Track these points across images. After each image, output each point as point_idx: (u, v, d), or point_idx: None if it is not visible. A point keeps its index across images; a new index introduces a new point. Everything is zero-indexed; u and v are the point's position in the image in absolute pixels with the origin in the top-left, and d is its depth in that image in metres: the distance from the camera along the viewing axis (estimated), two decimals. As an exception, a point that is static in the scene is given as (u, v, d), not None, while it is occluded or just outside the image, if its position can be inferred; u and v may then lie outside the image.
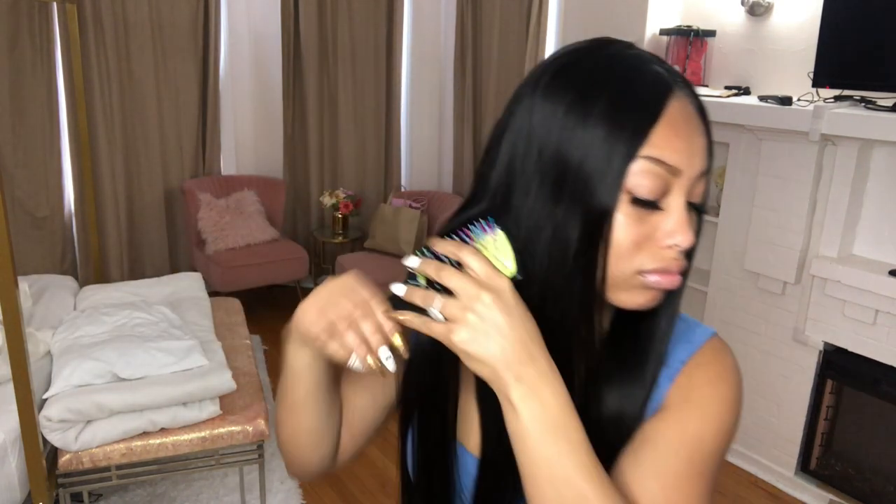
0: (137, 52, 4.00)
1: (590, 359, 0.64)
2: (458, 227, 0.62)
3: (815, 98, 2.56)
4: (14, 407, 1.97)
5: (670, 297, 0.65)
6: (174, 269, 4.34)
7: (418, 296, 0.60)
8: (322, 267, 4.66)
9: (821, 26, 2.48)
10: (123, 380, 2.19)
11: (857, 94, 2.48)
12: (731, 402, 0.65)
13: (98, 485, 2.21)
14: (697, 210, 0.62)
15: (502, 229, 0.61)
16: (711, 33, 3.05)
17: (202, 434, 2.22)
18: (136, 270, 4.23)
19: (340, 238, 4.46)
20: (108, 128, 3.97)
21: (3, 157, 3.73)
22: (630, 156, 0.57)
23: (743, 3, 2.90)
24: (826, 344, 2.65)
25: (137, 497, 2.58)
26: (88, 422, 2.11)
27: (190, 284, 3.14)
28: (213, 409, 2.25)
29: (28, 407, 1.93)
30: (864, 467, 2.63)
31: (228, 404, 2.33)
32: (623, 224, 0.58)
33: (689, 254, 0.62)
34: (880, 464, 2.60)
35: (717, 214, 2.97)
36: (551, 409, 0.57)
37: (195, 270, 3.96)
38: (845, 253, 2.58)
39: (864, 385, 2.57)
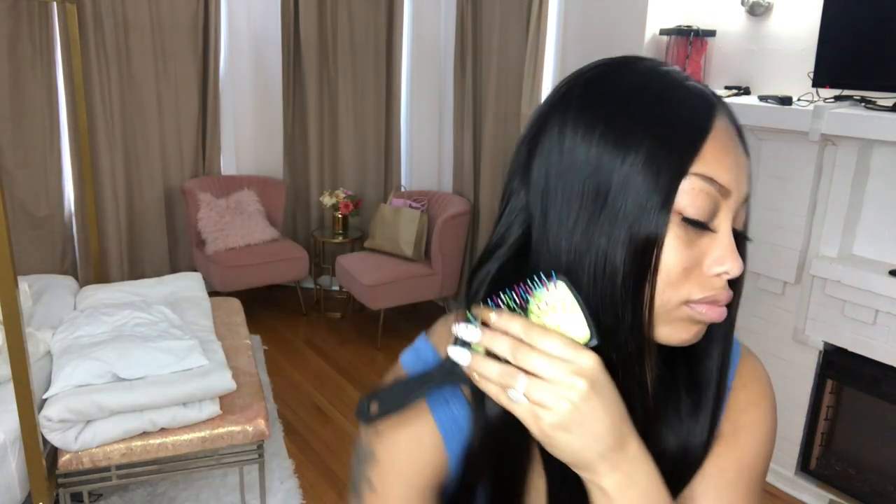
0: (137, 52, 4.00)
1: (645, 401, 0.59)
2: (504, 280, 0.55)
3: (815, 98, 2.56)
4: (14, 407, 1.97)
5: (726, 331, 0.62)
6: (174, 269, 4.34)
7: (491, 371, 0.51)
8: (322, 267, 4.67)
9: (821, 26, 2.48)
10: (123, 380, 2.19)
11: (857, 94, 2.48)
12: (773, 418, 0.66)
13: (98, 485, 2.21)
14: (742, 237, 0.58)
15: (561, 279, 0.52)
16: (711, 33, 3.05)
17: (202, 434, 2.22)
18: (136, 270, 4.23)
19: (340, 238, 4.46)
20: (108, 128, 3.97)
21: (3, 157, 3.73)
22: (681, 172, 0.53)
23: (743, 3, 2.90)
24: (826, 344, 2.65)
25: (137, 497, 2.58)
26: (88, 422, 2.11)
27: (190, 284, 3.14)
28: (213, 409, 2.25)
29: (28, 407, 1.93)
30: (864, 467, 2.63)
31: (228, 404, 2.33)
32: (673, 248, 0.54)
33: (735, 284, 0.59)
34: (880, 464, 2.60)
35: (717, 214, 2.97)
36: (648, 494, 0.53)
37: (195, 270, 3.96)
38: (845, 253, 2.58)
39: (864, 385, 2.57)
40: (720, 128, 0.55)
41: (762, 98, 2.65)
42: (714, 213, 0.55)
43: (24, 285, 2.73)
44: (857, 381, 2.60)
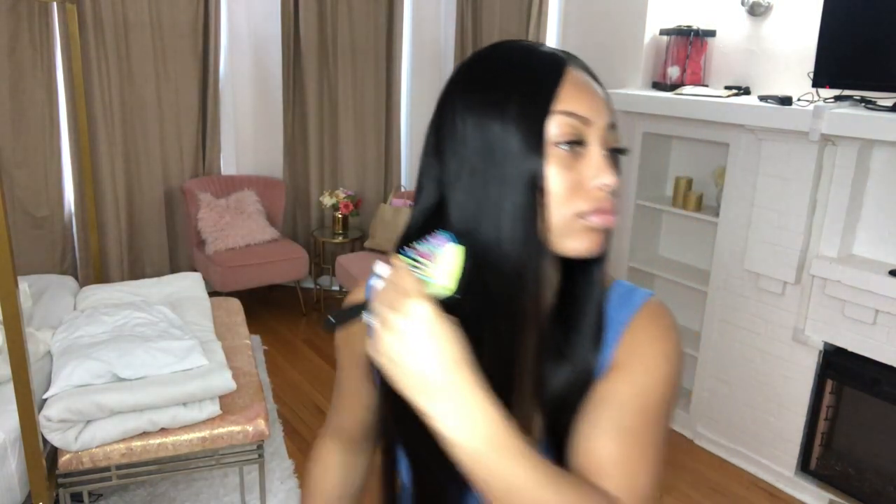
0: (137, 52, 4.00)
1: (539, 328, 0.68)
2: (415, 236, 0.67)
3: (815, 98, 2.56)
4: (14, 407, 1.97)
5: (598, 264, 0.72)
6: (174, 269, 4.34)
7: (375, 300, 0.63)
8: (322, 267, 4.67)
9: (821, 26, 2.48)
10: (123, 380, 2.19)
11: (857, 94, 2.48)
12: (672, 357, 0.71)
13: (98, 485, 2.21)
14: (617, 153, 0.70)
15: (455, 225, 0.66)
16: (711, 33, 3.05)
17: (202, 434, 2.22)
18: (136, 270, 4.23)
19: (340, 238, 4.46)
20: (108, 128, 3.97)
21: (3, 157, 3.73)
22: (545, 113, 0.65)
23: (743, 3, 2.90)
24: (826, 344, 2.65)
25: (137, 497, 2.58)
26: (88, 422, 2.11)
27: (190, 284, 3.14)
28: (213, 409, 2.25)
29: (28, 407, 1.93)
30: (864, 467, 2.63)
31: (228, 404, 2.33)
32: (556, 173, 0.65)
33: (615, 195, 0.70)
34: (880, 464, 2.60)
35: (716, 214, 2.97)
36: (481, 431, 0.59)
37: (195, 270, 3.96)
38: (845, 253, 2.58)
39: (864, 385, 2.57)
40: (572, 74, 0.67)
41: (762, 98, 2.65)
42: (581, 139, 0.66)
43: (24, 285, 2.73)
44: (857, 381, 2.60)
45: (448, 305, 0.63)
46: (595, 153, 0.67)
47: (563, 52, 0.70)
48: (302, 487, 0.86)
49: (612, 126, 0.68)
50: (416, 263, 0.62)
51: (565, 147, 0.65)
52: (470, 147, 0.67)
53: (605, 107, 0.68)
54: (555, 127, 0.65)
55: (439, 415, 0.59)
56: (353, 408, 0.88)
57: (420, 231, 0.68)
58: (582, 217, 0.66)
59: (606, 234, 0.69)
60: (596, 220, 0.67)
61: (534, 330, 0.68)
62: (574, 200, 0.66)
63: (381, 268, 0.63)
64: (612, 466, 0.67)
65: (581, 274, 0.72)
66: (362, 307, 0.64)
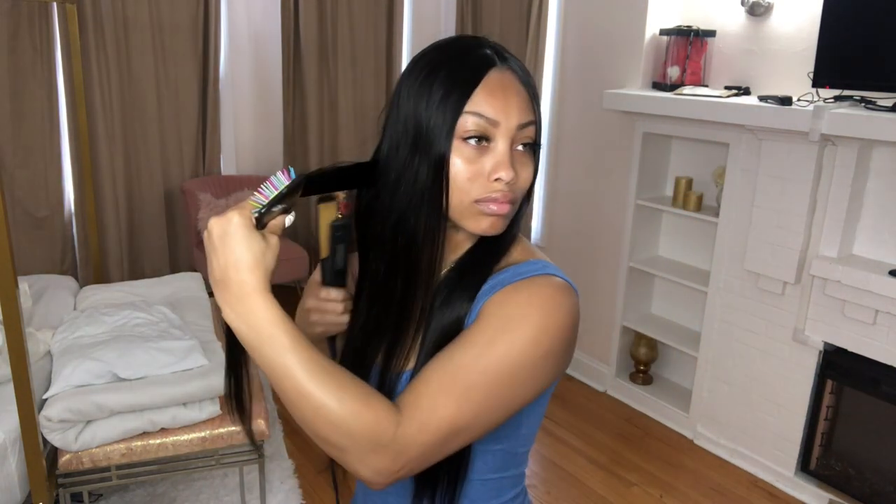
0: (137, 52, 4.00)
1: (429, 283, 0.81)
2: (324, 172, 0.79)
3: (815, 98, 2.56)
4: (14, 407, 1.97)
5: (499, 239, 0.83)
6: (174, 269, 4.33)
7: None
8: (322, 267, 4.66)
9: (821, 26, 2.48)
10: (123, 380, 2.19)
11: (857, 94, 2.48)
12: (542, 328, 0.76)
13: (98, 485, 2.21)
14: (533, 148, 0.80)
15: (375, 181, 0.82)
16: (711, 33, 3.05)
17: (202, 434, 2.23)
18: (136, 270, 4.23)
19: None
20: (108, 128, 3.97)
21: (3, 157, 3.73)
22: (458, 111, 0.76)
23: (743, 3, 2.90)
24: (826, 344, 2.65)
25: (137, 497, 2.58)
26: (88, 422, 2.11)
27: (190, 284, 3.14)
28: (213, 409, 2.25)
29: (28, 407, 1.93)
30: (864, 467, 2.63)
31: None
32: (458, 164, 0.76)
33: (530, 191, 0.82)
34: (880, 464, 2.60)
35: (717, 214, 2.97)
36: (252, 323, 0.69)
37: (195, 270, 3.95)
38: (845, 253, 2.58)
39: (864, 385, 2.57)
40: (493, 78, 0.77)
41: (762, 98, 2.65)
42: (489, 136, 0.77)
43: (24, 285, 2.73)
44: (857, 381, 2.60)
45: (361, 250, 0.85)
46: (499, 150, 0.77)
47: (499, 52, 0.80)
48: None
49: (526, 125, 0.78)
50: (267, 189, 0.72)
51: (472, 142, 0.76)
52: (403, 120, 0.79)
53: (518, 108, 0.77)
54: (464, 124, 0.76)
55: (218, 301, 0.71)
56: None
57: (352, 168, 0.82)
58: (478, 203, 0.77)
59: (503, 218, 0.79)
60: (489, 207, 0.77)
61: (424, 283, 0.81)
62: (472, 188, 0.77)
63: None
64: (421, 387, 0.74)
65: (486, 242, 0.84)
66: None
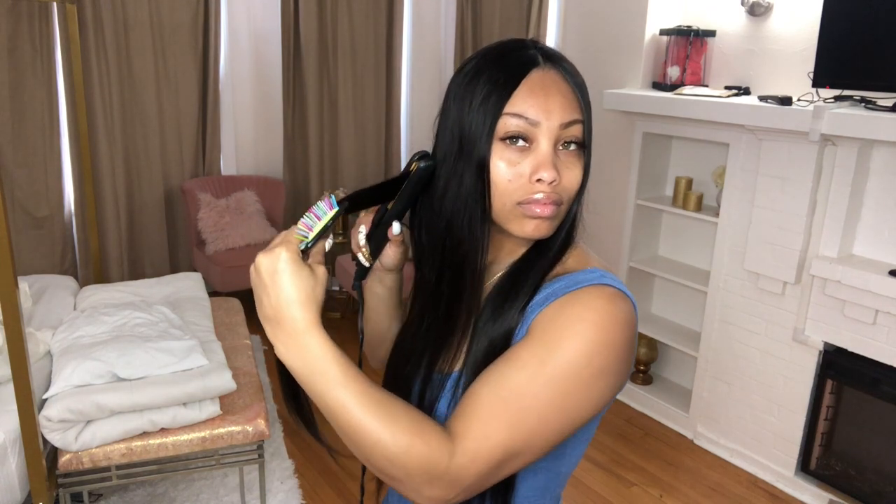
0: (137, 52, 4.00)
1: (475, 287, 0.81)
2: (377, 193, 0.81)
3: (815, 98, 2.56)
4: (14, 407, 1.97)
5: (549, 243, 0.81)
6: (174, 269, 4.33)
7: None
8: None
9: (821, 26, 2.48)
10: (123, 380, 2.19)
11: (857, 94, 2.48)
12: (596, 344, 0.72)
13: (98, 485, 2.21)
14: (580, 147, 0.78)
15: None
16: (711, 33, 3.05)
17: (202, 434, 2.22)
18: (136, 270, 4.23)
19: (340, 238, 4.46)
20: (108, 128, 3.97)
21: (3, 157, 3.73)
22: (497, 113, 0.74)
23: (743, 3, 2.90)
24: (826, 344, 2.65)
25: (137, 497, 2.58)
26: (88, 422, 2.11)
27: (190, 284, 3.14)
28: (213, 409, 2.25)
29: (28, 407, 1.93)
30: (864, 467, 2.63)
31: (228, 404, 2.33)
32: (499, 167, 0.75)
33: (581, 191, 0.79)
34: (880, 464, 2.60)
35: (717, 214, 2.97)
36: (304, 358, 0.69)
37: (195, 270, 3.96)
38: (845, 253, 2.58)
39: (864, 385, 2.57)
40: (534, 78, 0.75)
41: (762, 98, 2.65)
42: (530, 137, 0.75)
43: (24, 285, 2.73)
44: (857, 381, 2.60)
45: (416, 259, 0.86)
46: (541, 150, 0.75)
47: (544, 52, 0.78)
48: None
49: (570, 124, 0.76)
50: (310, 218, 0.74)
51: (512, 143, 0.75)
52: (449, 129, 0.78)
53: (561, 107, 0.75)
54: (504, 125, 0.74)
55: (270, 338, 0.71)
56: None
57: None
58: (521, 206, 0.75)
59: (549, 221, 0.77)
60: (533, 210, 0.75)
61: (471, 287, 0.80)
62: (514, 191, 0.75)
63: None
64: (473, 414, 0.71)
65: (538, 247, 0.82)
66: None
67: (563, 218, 0.79)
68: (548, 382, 0.71)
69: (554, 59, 0.78)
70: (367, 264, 0.83)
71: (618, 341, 0.73)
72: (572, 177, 0.77)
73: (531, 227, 0.76)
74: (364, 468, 0.82)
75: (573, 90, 0.77)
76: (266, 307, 0.70)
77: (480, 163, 0.75)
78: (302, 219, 0.73)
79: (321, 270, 0.72)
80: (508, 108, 0.74)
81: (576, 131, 0.76)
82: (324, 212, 0.72)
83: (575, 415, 0.73)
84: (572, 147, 0.77)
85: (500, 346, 0.78)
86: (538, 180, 0.74)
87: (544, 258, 0.81)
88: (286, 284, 0.69)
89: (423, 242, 0.84)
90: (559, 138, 0.75)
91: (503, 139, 0.74)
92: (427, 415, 0.74)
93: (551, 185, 0.74)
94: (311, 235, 0.72)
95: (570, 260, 0.82)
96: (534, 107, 0.74)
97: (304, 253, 0.72)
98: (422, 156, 0.80)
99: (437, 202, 0.79)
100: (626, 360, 0.75)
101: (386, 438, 0.68)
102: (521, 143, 0.75)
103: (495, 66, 0.76)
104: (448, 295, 0.82)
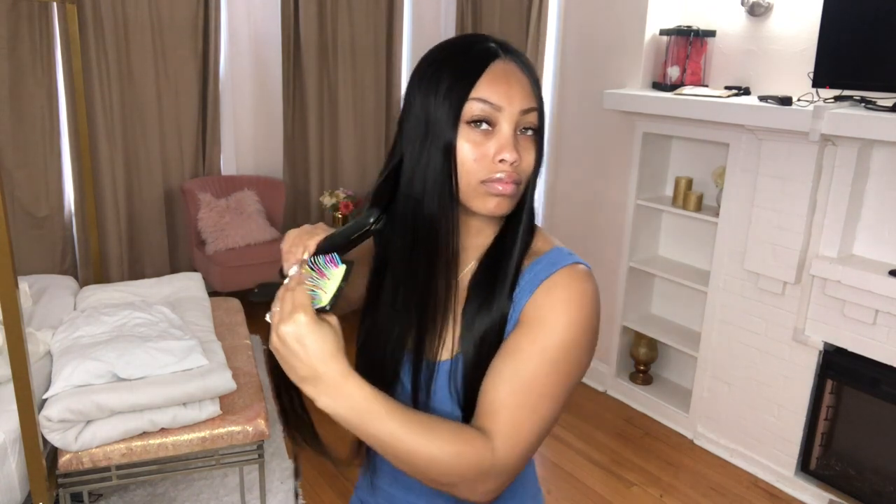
0: (137, 52, 4.00)
1: (449, 264, 0.86)
2: (375, 194, 0.88)
3: (815, 98, 2.56)
4: (14, 407, 1.97)
5: (516, 225, 0.87)
6: (174, 269, 4.33)
7: (279, 292, 0.79)
8: (322, 267, 4.66)
9: (821, 26, 2.48)
10: (123, 380, 2.19)
11: (857, 94, 2.48)
12: (577, 321, 0.82)
13: (98, 485, 2.21)
14: (536, 133, 0.85)
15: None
16: (711, 33, 3.05)
17: (202, 434, 2.22)
18: (136, 270, 4.23)
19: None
20: (108, 128, 3.97)
21: (3, 157, 3.73)
22: (463, 98, 0.81)
23: (743, 3, 2.90)
24: (826, 344, 2.65)
25: (137, 497, 2.58)
26: (88, 422, 2.11)
27: (190, 284, 3.14)
28: (213, 409, 2.25)
29: (28, 407, 1.93)
30: (864, 467, 2.63)
31: (228, 404, 2.33)
32: (465, 148, 0.81)
33: (535, 173, 0.86)
34: (880, 464, 2.60)
35: (717, 214, 2.97)
36: (352, 409, 0.75)
37: (195, 270, 3.95)
38: (845, 253, 2.58)
39: (864, 385, 2.57)
40: (496, 67, 0.82)
41: (762, 98, 2.65)
42: (493, 121, 0.81)
43: (24, 285, 2.73)
44: (857, 381, 2.60)
45: (381, 236, 0.89)
46: (503, 133, 0.81)
47: (503, 46, 0.85)
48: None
49: (528, 111, 0.83)
50: (313, 274, 0.79)
51: (476, 126, 0.81)
52: (414, 117, 0.84)
53: (521, 95, 0.82)
54: (470, 109, 0.81)
55: (312, 395, 0.76)
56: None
57: (379, 189, 0.88)
58: (484, 184, 0.82)
59: (509, 198, 0.83)
60: (495, 188, 0.82)
61: (445, 264, 0.85)
62: (479, 170, 0.81)
63: (293, 269, 0.82)
64: (502, 409, 0.80)
65: (506, 232, 0.89)
66: (277, 288, 0.80)
67: (520, 198, 0.86)
68: (552, 366, 0.81)
69: (512, 53, 0.85)
70: (326, 305, 0.80)
71: (593, 315, 0.84)
72: (530, 159, 0.84)
73: (493, 204, 0.83)
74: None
75: (529, 81, 0.85)
76: (301, 370, 0.75)
77: (447, 145, 0.81)
78: (300, 269, 0.78)
79: (334, 320, 0.78)
80: (473, 93, 0.81)
81: (532, 118, 0.84)
82: (329, 269, 0.78)
83: (572, 385, 0.84)
84: (529, 132, 0.84)
85: (495, 333, 0.85)
86: (501, 161, 0.81)
87: (517, 243, 0.87)
88: (314, 345, 0.74)
89: (390, 227, 0.88)
90: (518, 123, 0.82)
91: (469, 122, 0.81)
92: (448, 418, 0.83)
93: (512, 166, 0.81)
94: (328, 298, 0.78)
95: (538, 241, 0.90)
96: (496, 93, 0.81)
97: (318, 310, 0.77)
98: (376, 217, 0.85)
99: (405, 187, 0.85)
100: (597, 328, 0.86)
101: (437, 454, 0.76)
102: (484, 126, 0.81)
103: (459, 57, 0.83)
104: (424, 271, 0.85)
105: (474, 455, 0.77)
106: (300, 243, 0.85)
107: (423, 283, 0.86)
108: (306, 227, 0.89)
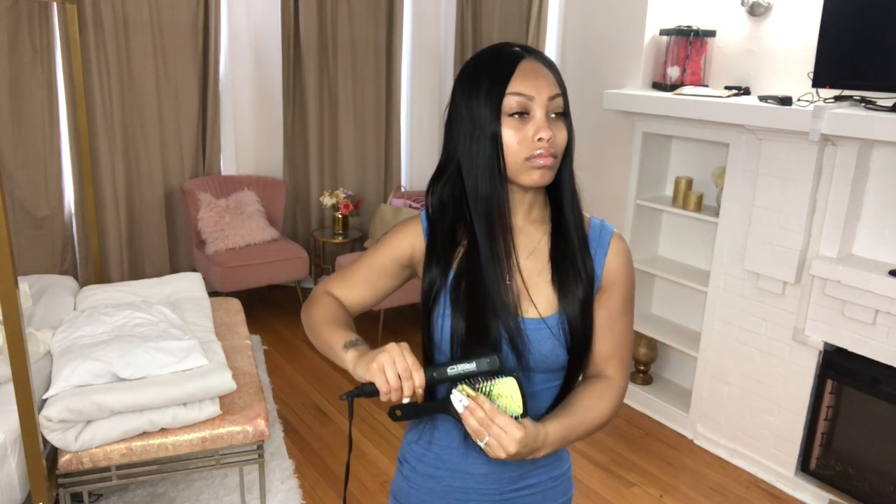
0: (137, 52, 4.00)
1: (506, 232, 1.06)
2: (431, 187, 1.11)
3: (815, 98, 2.56)
4: (14, 407, 1.98)
5: (566, 200, 1.09)
6: (174, 269, 4.34)
7: (472, 423, 0.97)
8: (322, 267, 4.66)
9: (821, 26, 2.48)
10: (123, 380, 2.19)
11: (857, 94, 2.48)
12: (633, 274, 1.15)
13: (98, 485, 2.21)
14: (562, 116, 1.04)
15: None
16: (711, 33, 3.05)
17: (202, 434, 2.23)
18: (136, 270, 4.23)
19: (340, 238, 4.46)
20: (108, 128, 3.97)
21: (3, 157, 3.73)
22: (502, 95, 1.00)
23: (743, 3, 2.90)
24: (826, 344, 2.65)
25: (137, 497, 2.58)
26: (88, 422, 2.11)
27: (190, 284, 3.14)
28: (213, 409, 2.25)
29: (28, 407, 1.93)
30: (864, 467, 2.63)
31: (228, 404, 2.33)
32: (508, 135, 1.01)
33: (568, 150, 1.06)
34: (880, 464, 2.60)
35: (717, 214, 2.97)
36: (556, 443, 1.03)
37: (195, 270, 3.96)
38: (845, 253, 2.58)
39: (864, 385, 2.57)
40: (524, 65, 1.01)
41: (762, 98, 2.65)
42: (528, 109, 1.00)
43: (24, 285, 2.73)
44: (857, 381, 2.60)
45: (452, 217, 1.09)
46: (537, 118, 1.00)
47: (525, 48, 1.04)
48: (307, 318, 1.18)
49: (555, 97, 1.02)
50: (475, 390, 0.98)
51: (515, 116, 1.00)
52: (463, 119, 1.03)
53: (547, 85, 1.01)
54: (508, 103, 1.00)
55: (540, 455, 1.01)
56: (364, 285, 1.19)
57: (434, 180, 1.10)
58: (528, 160, 1.01)
59: (549, 169, 1.02)
60: (537, 162, 1.01)
61: (503, 232, 1.05)
62: (521, 150, 1.01)
63: (459, 398, 0.98)
64: (612, 358, 1.13)
65: (561, 209, 1.10)
66: (434, 407, 1.05)
67: (559, 171, 1.05)
68: (629, 312, 1.15)
69: (534, 52, 1.05)
70: (522, 413, 1.00)
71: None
72: (562, 135, 1.03)
73: (538, 175, 1.02)
74: (348, 470, 1.15)
75: (552, 73, 1.03)
76: (536, 453, 1.00)
77: (494, 135, 1.00)
78: (465, 397, 0.97)
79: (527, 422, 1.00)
80: (509, 89, 1.00)
81: (559, 102, 1.03)
82: (491, 386, 0.99)
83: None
84: (557, 116, 1.03)
85: (589, 293, 1.09)
86: (539, 139, 0.99)
87: (576, 217, 1.10)
88: (532, 441, 0.97)
89: (463, 212, 1.08)
90: (549, 108, 1.01)
91: (509, 115, 1.00)
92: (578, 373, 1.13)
93: (549, 142, 1.00)
94: (520, 408, 0.98)
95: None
96: (528, 86, 1.00)
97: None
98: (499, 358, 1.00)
99: (466, 178, 1.04)
100: None
101: (605, 416, 1.09)
102: (523, 115, 1.00)
103: (492, 63, 1.02)
104: (487, 240, 1.04)
105: (616, 398, 1.11)
106: (407, 377, 0.96)
107: (487, 251, 1.05)
108: (390, 358, 0.97)
